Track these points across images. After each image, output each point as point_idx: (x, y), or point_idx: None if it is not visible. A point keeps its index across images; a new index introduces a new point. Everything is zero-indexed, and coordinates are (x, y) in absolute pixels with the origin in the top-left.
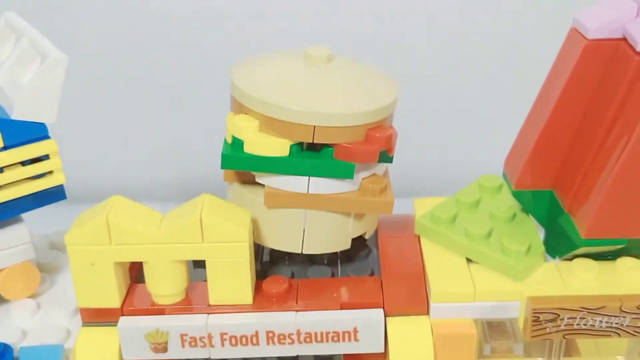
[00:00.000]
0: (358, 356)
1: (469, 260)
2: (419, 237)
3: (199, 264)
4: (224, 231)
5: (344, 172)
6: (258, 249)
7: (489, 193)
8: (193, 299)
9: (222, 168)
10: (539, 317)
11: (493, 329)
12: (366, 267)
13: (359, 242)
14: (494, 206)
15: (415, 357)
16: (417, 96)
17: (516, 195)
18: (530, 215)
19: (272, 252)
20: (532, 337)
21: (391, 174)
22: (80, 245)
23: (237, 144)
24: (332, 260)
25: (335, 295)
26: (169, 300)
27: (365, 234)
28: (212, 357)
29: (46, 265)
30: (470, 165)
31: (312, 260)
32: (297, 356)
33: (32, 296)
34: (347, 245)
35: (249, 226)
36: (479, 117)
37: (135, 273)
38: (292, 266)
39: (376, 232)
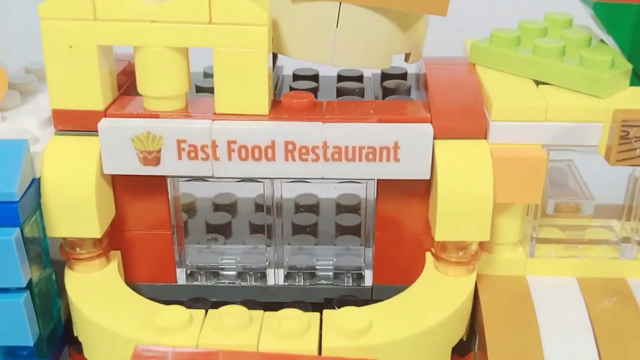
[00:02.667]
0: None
1: (537, 82)
2: (474, 65)
3: None
4: (238, 9)
5: None
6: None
7: (557, 25)
8: (195, 107)
9: None
10: (628, 134)
11: (557, 187)
12: None
13: (399, 79)
14: (565, 32)
15: (468, 186)
16: None
17: (597, 8)
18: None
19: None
20: (617, 161)
21: None
22: (56, 20)
23: None
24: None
25: (371, 111)
26: (165, 105)
27: (408, 56)
28: (215, 174)
29: (19, 85)
30: None
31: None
32: (318, 206)
33: None
34: (386, 63)
35: (269, 11)
36: None
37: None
38: None
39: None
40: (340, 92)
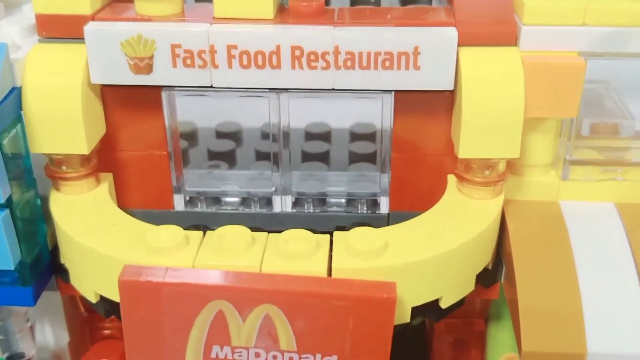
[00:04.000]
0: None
1: None
2: None
3: None
4: None
5: None
6: None
7: None
8: (192, 12)
9: None
10: None
11: (592, 107)
12: None
13: None
14: None
15: (496, 97)
16: None
17: None
18: None
19: None
20: None
21: None
22: None
23: None
24: None
25: (389, 16)
26: (159, 9)
27: None
28: (214, 84)
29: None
30: None
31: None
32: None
33: None
34: None
35: None
36: None
37: None
38: None
39: None
40: (354, 2)
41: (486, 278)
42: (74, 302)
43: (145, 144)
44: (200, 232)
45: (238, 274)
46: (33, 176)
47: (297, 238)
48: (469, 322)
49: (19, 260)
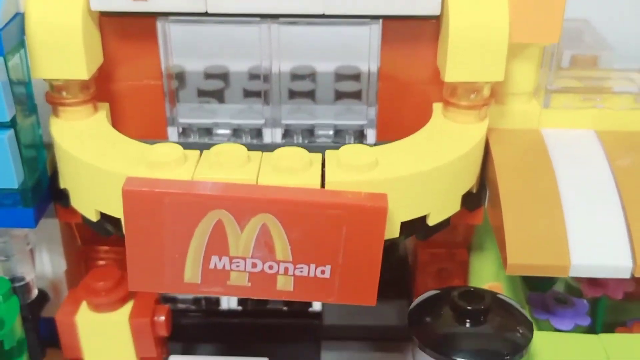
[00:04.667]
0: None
1: None
2: None
3: None
4: None
5: None
6: None
7: None
8: None
9: None
10: None
11: (572, 41)
12: None
13: None
14: None
15: (482, 20)
16: None
17: None
18: None
19: None
20: None
21: None
22: None
23: None
24: None
25: None
26: None
27: None
28: (209, 10)
29: None
30: None
31: None
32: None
33: None
34: None
35: None
36: None
37: None
38: None
39: None
40: None
41: (471, 201)
42: (71, 233)
43: (140, 75)
44: (197, 151)
45: (237, 185)
46: (34, 102)
47: (291, 155)
48: (452, 253)
49: (22, 180)
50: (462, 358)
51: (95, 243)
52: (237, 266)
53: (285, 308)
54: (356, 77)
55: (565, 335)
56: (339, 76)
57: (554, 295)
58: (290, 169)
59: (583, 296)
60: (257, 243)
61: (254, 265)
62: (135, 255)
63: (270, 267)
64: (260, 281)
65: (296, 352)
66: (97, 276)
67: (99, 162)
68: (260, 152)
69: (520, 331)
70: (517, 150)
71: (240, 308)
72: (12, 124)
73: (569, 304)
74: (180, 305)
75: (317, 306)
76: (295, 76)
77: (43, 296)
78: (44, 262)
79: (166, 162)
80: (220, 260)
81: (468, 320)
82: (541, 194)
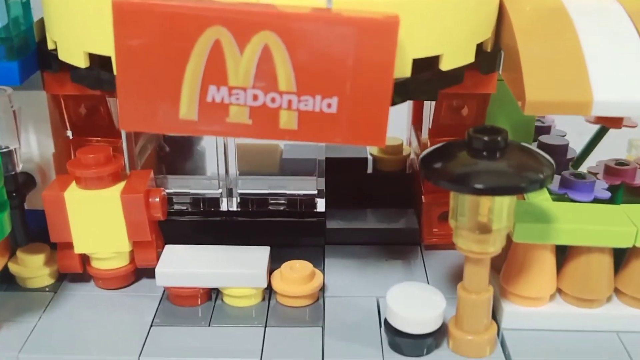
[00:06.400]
0: None
1: None
2: None
3: None
4: None
5: None
6: None
7: None
8: None
9: None
10: None
11: None
12: None
13: None
14: None
15: None
16: None
17: None
18: None
19: None
20: None
21: None
22: None
23: None
24: None
25: None
26: None
27: None
28: None
29: None
30: None
31: None
32: None
33: None
34: None
35: None
36: None
37: None
38: None
39: None
40: None
41: (484, 61)
42: (61, 121)
43: None
44: None
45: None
46: None
47: None
48: None
49: (5, 23)
50: (480, 184)
51: (86, 134)
52: (237, 99)
53: (287, 209)
54: None
55: (587, 205)
56: None
57: (571, 172)
58: None
59: None
60: (258, 69)
61: (255, 97)
62: (127, 87)
63: (273, 100)
64: (261, 118)
65: (300, 253)
66: (88, 151)
67: None
68: None
69: (540, 168)
70: (532, 1)
71: (240, 210)
72: None
73: (588, 179)
74: (179, 207)
75: (320, 206)
76: None
77: (30, 179)
78: (31, 144)
79: None
80: (218, 91)
81: (485, 153)
82: (559, 37)
